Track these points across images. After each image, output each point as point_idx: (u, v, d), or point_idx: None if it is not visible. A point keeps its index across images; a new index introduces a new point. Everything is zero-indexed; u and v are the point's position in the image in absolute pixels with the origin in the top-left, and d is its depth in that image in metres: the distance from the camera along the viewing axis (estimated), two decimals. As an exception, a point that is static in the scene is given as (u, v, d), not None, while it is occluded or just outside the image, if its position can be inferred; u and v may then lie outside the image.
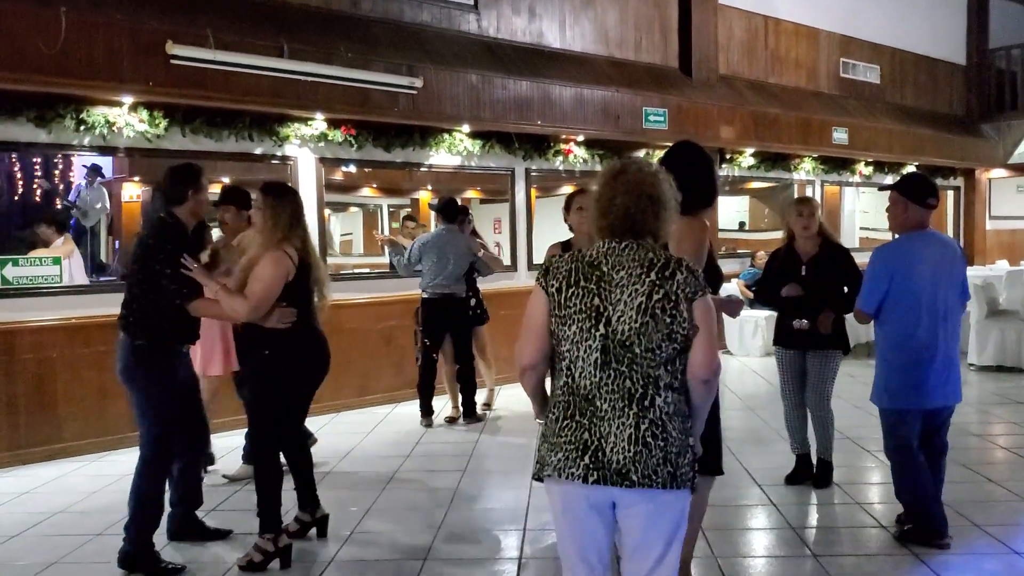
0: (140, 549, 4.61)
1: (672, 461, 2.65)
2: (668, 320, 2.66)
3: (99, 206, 9.01)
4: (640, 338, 2.65)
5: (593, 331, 2.69)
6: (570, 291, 2.72)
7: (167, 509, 4.94)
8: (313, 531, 5.05)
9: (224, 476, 6.22)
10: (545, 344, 2.80)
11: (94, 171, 8.78)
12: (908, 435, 4.77)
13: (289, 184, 4.96)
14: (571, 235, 5.63)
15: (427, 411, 8.09)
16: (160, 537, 4.81)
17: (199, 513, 5.17)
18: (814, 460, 6.00)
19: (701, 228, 3.82)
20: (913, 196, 4.81)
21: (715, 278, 4.05)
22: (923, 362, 4.68)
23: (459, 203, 8.42)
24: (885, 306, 4.75)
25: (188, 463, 5.04)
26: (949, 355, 4.75)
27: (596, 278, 2.71)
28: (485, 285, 8.67)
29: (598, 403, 2.67)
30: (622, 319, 2.66)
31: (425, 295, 8.04)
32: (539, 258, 9.58)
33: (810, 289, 5.73)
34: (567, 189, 10.54)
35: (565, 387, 2.75)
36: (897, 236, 4.89)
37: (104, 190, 8.96)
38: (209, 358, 6.14)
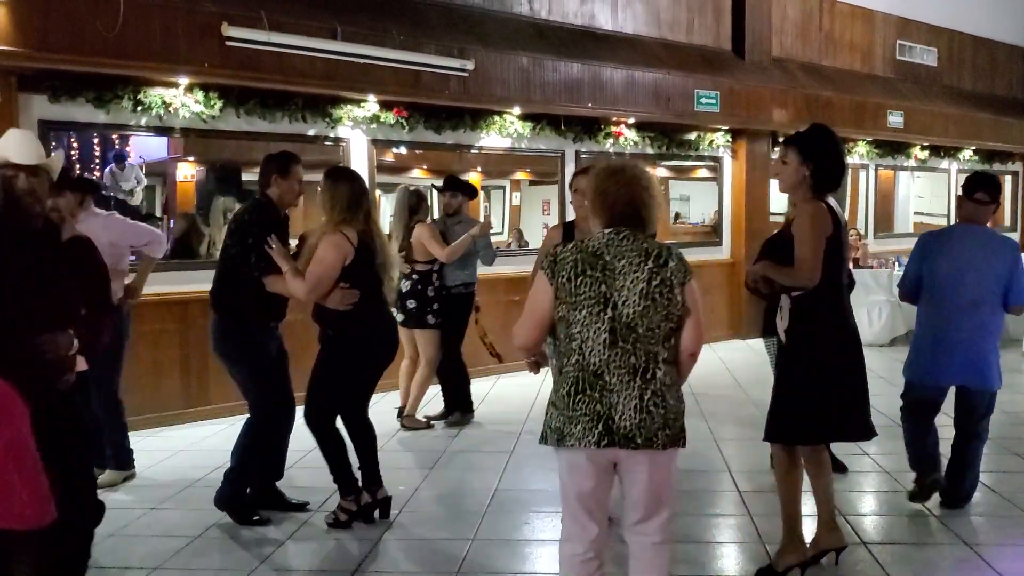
0: (232, 495, 5.03)
1: (670, 425, 3.06)
2: (665, 303, 3.06)
3: (131, 184, 9.10)
4: (643, 319, 3.03)
5: (602, 315, 3.03)
6: (579, 280, 3.06)
7: None
8: (377, 512, 5.07)
9: None
10: (546, 330, 3.19)
11: (118, 159, 8.90)
12: (912, 402, 5.18)
13: (350, 168, 5.06)
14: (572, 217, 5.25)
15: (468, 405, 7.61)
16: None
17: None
18: None
19: (823, 213, 4.01)
20: (964, 190, 5.16)
21: (837, 262, 4.06)
22: (936, 343, 4.98)
23: (470, 185, 7.76)
24: (922, 288, 5.07)
25: (275, 436, 5.18)
26: (971, 342, 4.91)
27: (601, 267, 3.06)
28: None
29: (607, 378, 3.03)
30: (627, 303, 3.03)
31: (456, 290, 7.30)
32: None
33: None
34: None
35: (576, 365, 3.07)
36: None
37: (136, 168, 9.07)
38: None
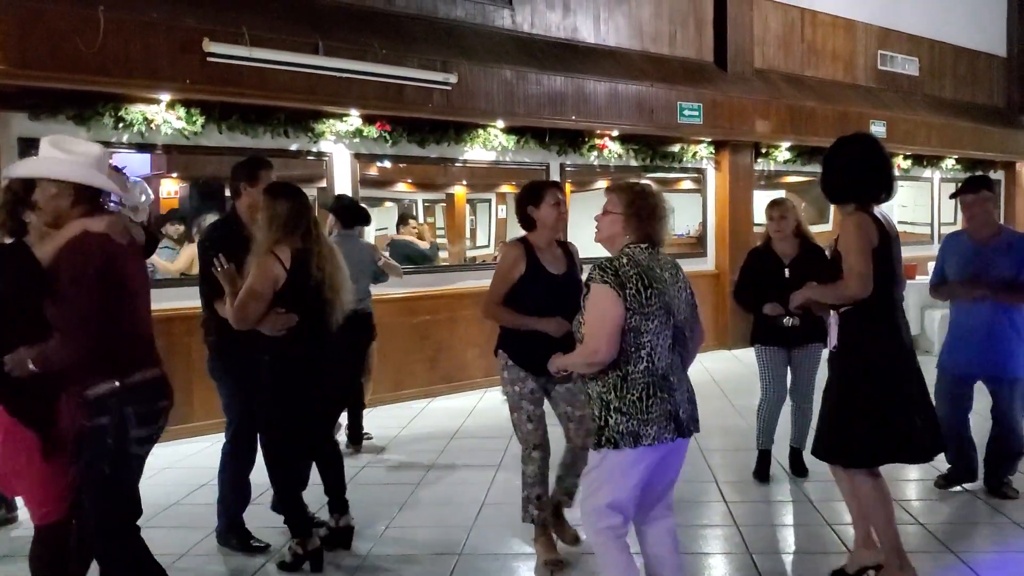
0: (229, 525, 4.90)
1: (696, 413, 3.53)
2: (692, 309, 3.53)
3: (145, 199, 9.05)
4: (686, 324, 3.48)
5: (668, 322, 3.39)
6: (648, 292, 3.31)
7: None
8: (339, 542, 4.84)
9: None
10: (620, 340, 3.32)
11: (115, 171, 8.84)
12: (941, 389, 5.48)
13: (291, 184, 4.70)
14: (524, 232, 4.75)
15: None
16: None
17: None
18: (773, 453, 6.11)
19: (867, 223, 3.95)
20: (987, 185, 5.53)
21: (886, 274, 3.97)
22: (961, 336, 5.44)
23: (360, 206, 7.19)
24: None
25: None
26: (991, 332, 5.28)
27: (658, 280, 3.37)
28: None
29: (671, 379, 3.39)
30: (680, 311, 3.44)
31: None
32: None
33: (796, 290, 5.66)
34: (603, 184, 10.51)
35: (645, 371, 3.34)
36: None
37: (142, 183, 9.02)
38: None
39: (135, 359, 3.32)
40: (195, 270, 5.81)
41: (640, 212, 3.45)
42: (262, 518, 5.06)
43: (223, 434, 5.00)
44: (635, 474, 3.37)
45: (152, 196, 8.94)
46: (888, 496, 4.09)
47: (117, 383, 3.24)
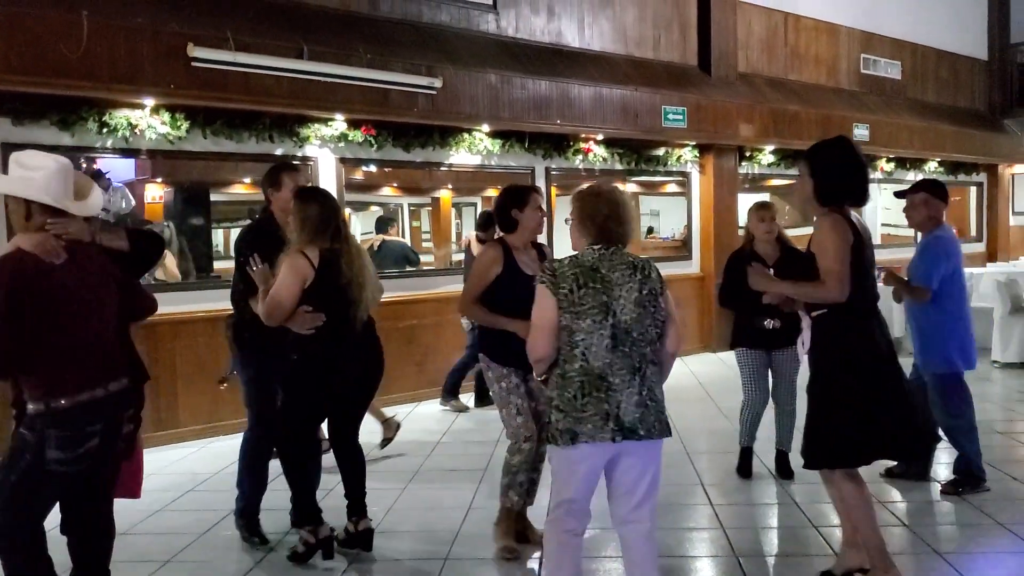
0: (242, 511, 5.08)
1: (659, 418, 3.45)
2: (652, 310, 3.45)
3: (122, 206, 9.02)
4: (636, 325, 3.41)
5: (604, 322, 3.37)
6: (582, 291, 3.39)
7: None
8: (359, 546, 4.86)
9: None
10: (556, 338, 3.44)
11: (97, 176, 8.80)
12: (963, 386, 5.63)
13: (321, 188, 4.97)
14: (501, 233, 4.87)
15: None
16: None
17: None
18: (759, 455, 6.19)
19: (842, 223, 3.97)
20: (942, 194, 5.70)
21: (860, 276, 3.97)
22: (967, 332, 5.62)
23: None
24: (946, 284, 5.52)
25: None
26: (912, 328, 5.73)
27: (599, 279, 3.41)
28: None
29: (611, 379, 3.37)
30: (624, 311, 3.39)
31: None
32: (559, 255, 9.56)
33: None
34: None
35: (580, 369, 3.39)
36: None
37: (123, 189, 8.98)
38: None
39: (62, 382, 3.24)
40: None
41: (593, 215, 3.52)
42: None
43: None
44: (578, 472, 3.44)
45: (133, 202, 8.92)
46: (869, 498, 4.10)
47: (43, 405, 3.21)
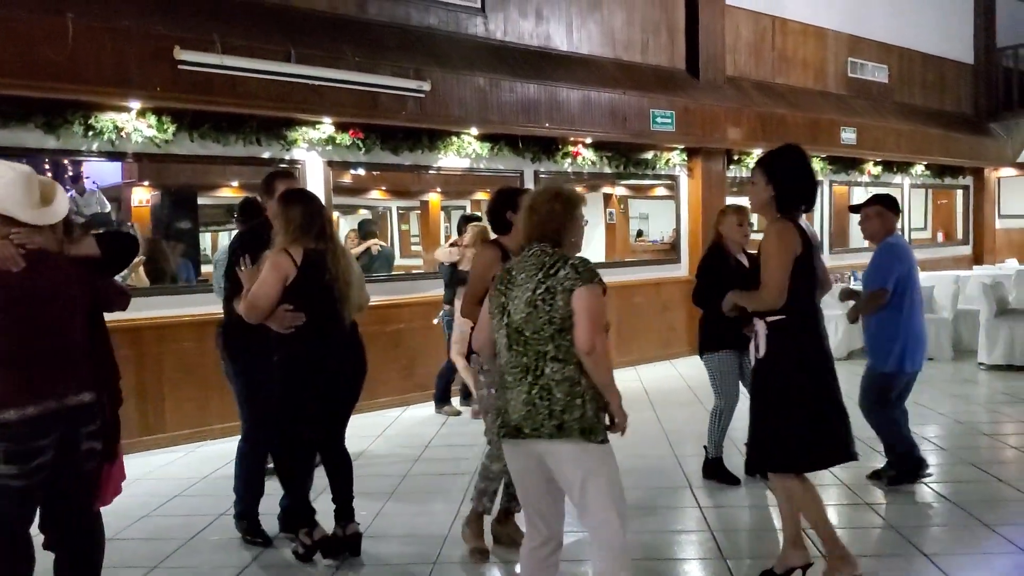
0: (241, 513, 5.14)
1: (557, 416, 3.28)
2: (547, 308, 3.31)
3: (96, 210, 8.99)
4: (527, 324, 3.34)
5: (502, 321, 3.43)
6: (494, 295, 3.51)
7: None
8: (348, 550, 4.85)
9: None
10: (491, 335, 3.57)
11: (79, 179, 8.78)
12: (897, 390, 5.85)
13: (305, 189, 5.02)
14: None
15: None
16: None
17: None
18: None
19: (790, 232, 4.01)
20: (894, 206, 5.90)
21: (809, 283, 4.05)
22: (920, 334, 5.81)
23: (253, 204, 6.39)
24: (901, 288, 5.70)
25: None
26: (865, 329, 5.92)
27: (506, 282, 3.46)
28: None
29: (507, 377, 3.42)
30: (516, 311, 3.37)
31: None
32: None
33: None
34: (577, 191, 10.53)
35: (498, 368, 3.53)
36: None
37: (98, 193, 8.95)
38: None
39: (10, 394, 3.19)
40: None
41: (527, 217, 3.53)
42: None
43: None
44: (514, 472, 3.50)
45: (108, 206, 8.88)
46: (817, 492, 4.24)
47: None
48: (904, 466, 5.84)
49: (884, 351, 5.72)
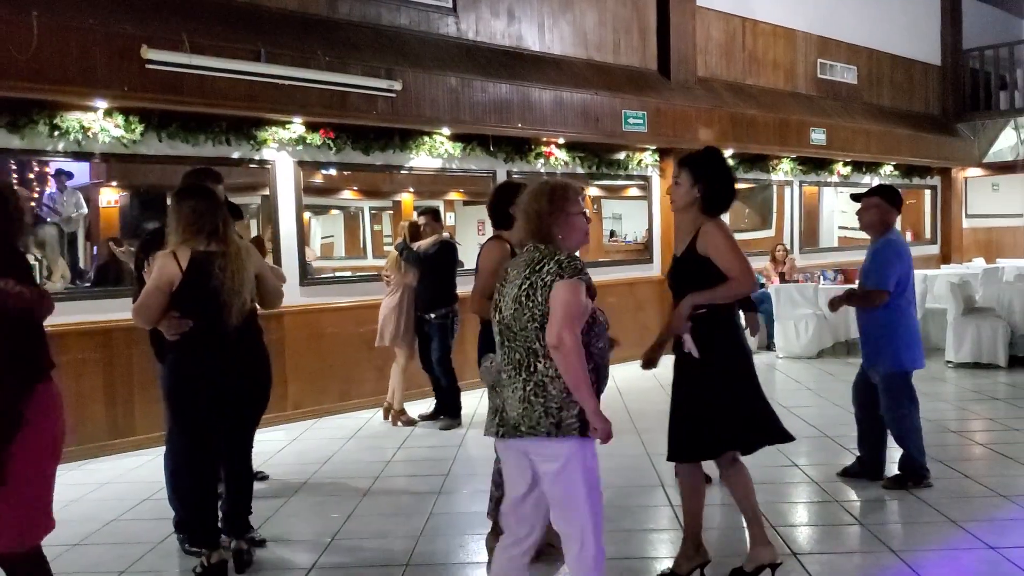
0: (178, 523, 4.99)
1: (553, 414, 3.26)
2: (531, 304, 3.29)
3: (77, 212, 8.92)
4: (515, 320, 3.34)
5: (496, 318, 3.44)
6: (495, 291, 3.51)
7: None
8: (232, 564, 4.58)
9: None
10: None
11: (61, 175, 8.69)
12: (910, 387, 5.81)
13: (200, 185, 4.70)
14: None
15: None
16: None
17: None
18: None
19: (726, 226, 4.27)
20: (896, 201, 5.91)
21: (721, 274, 4.20)
22: (916, 332, 5.85)
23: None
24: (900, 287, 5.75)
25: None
26: (864, 330, 5.92)
27: (502, 279, 3.48)
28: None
29: (502, 375, 3.41)
30: (506, 307, 3.38)
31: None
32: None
33: None
34: (570, 184, 10.55)
35: (495, 365, 3.49)
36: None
37: (77, 193, 8.86)
38: None
39: None
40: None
41: (521, 217, 3.51)
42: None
43: (163, 447, 5.00)
44: (505, 466, 3.50)
45: (85, 209, 8.79)
46: (702, 489, 4.47)
47: None
48: (912, 469, 5.81)
49: (890, 352, 5.73)
